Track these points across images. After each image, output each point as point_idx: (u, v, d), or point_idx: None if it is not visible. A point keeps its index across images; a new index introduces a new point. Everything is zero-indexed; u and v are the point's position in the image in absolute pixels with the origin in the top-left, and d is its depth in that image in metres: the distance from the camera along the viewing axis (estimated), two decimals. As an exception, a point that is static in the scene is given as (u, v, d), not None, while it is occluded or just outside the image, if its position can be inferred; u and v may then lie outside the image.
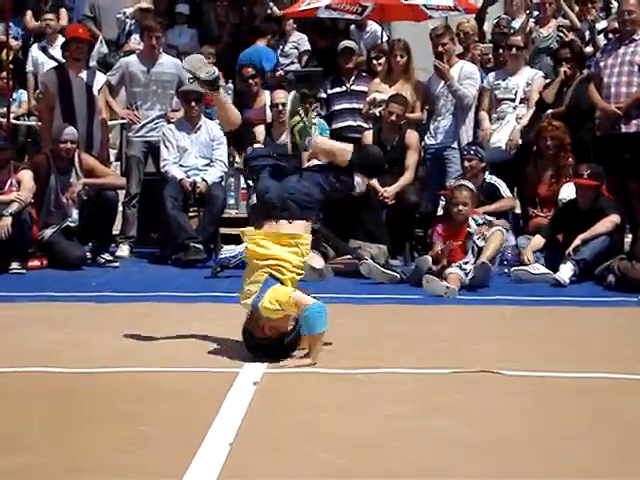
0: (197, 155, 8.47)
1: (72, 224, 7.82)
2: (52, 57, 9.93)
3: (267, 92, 9.06)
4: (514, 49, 8.62)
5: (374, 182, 7.97)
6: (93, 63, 9.42)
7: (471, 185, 7.29)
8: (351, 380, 4.17)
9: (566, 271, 7.00)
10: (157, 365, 4.38)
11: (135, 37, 10.17)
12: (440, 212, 7.82)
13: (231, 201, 9.09)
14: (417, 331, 5.32)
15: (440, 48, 8.48)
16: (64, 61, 8.68)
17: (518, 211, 8.56)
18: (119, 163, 9.75)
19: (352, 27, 9.97)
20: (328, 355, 4.50)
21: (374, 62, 8.91)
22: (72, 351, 4.67)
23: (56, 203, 7.95)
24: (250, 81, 9.12)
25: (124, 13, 10.66)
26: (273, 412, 3.68)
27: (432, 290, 6.49)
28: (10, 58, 9.69)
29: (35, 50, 10.29)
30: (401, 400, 3.84)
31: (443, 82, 8.46)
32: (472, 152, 8.00)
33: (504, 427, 3.54)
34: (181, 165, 8.40)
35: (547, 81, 8.60)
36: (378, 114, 8.41)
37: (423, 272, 6.73)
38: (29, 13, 10.68)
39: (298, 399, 3.89)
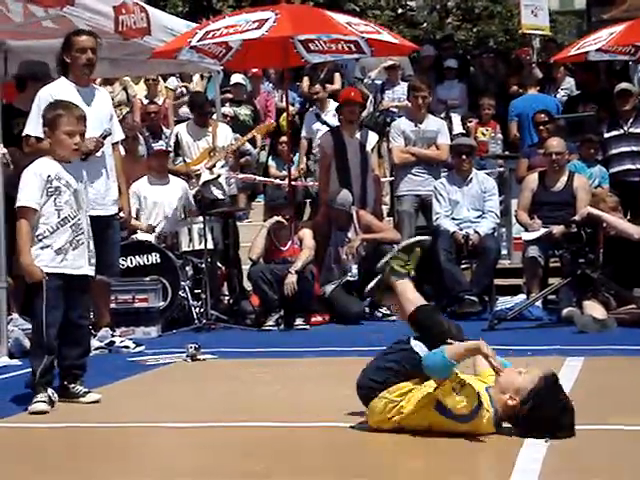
0: (469, 207, 8.49)
1: (352, 279, 8.07)
2: (324, 122, 10.37)
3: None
4: None
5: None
6: None
7: None
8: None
9: None
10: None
11: (388, 94, 10.42)
12: None
13: (504, 251, 9.01)
14: None
15: None
16: (338, 124, 9.04)
17: None
18: (391, 219, 9.96)
19: (631, 64, 9.69)
20: (614, 411, 4.31)
21: None
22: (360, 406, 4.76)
23: (336, 259, 8.26)
24: (542, 127, 9.11)
25: (369, 77, 11.02)
26: (568, 471, 3.58)
27: None
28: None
29: (310, 116, 10.78)
30: None
31: None
32: None
33: None
34: (453, 218, 8.46)
35: None
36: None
37: None
38: (305, 80, 11.22)
39: (591, 459, 3.75)
